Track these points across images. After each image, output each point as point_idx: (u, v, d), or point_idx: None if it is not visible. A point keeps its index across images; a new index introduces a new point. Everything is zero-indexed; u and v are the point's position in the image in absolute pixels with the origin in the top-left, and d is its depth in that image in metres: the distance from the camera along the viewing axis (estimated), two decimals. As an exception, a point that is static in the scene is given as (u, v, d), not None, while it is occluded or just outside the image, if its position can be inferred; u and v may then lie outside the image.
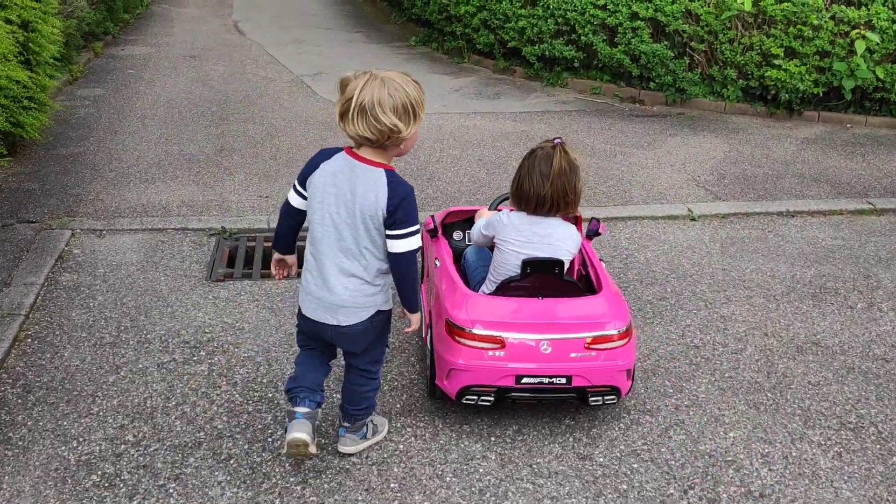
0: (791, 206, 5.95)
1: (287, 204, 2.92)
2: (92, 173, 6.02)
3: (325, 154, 2.78)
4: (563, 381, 3.08)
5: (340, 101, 2.61)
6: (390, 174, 2.68)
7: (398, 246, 2.71)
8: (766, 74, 7.86)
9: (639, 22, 8.20)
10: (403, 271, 2.79)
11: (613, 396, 3.19)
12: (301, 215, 2.89)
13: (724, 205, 5.94)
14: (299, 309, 2.93)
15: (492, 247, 3.33)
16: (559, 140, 3.16)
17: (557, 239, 3.18)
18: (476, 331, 3.02)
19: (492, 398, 3.10)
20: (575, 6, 8.55)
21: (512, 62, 9.70)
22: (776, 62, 7.76)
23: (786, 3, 7.60)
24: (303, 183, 2.81)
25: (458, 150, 6.88)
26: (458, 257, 3.75)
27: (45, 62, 5.96)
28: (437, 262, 3.50)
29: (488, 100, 8.65)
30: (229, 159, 6.45)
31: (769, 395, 3.68)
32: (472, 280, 3.50)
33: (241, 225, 5.26)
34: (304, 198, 2.82)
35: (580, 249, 3.43)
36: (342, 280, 2.77)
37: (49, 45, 6.01)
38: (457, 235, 3.96)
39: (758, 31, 7.87)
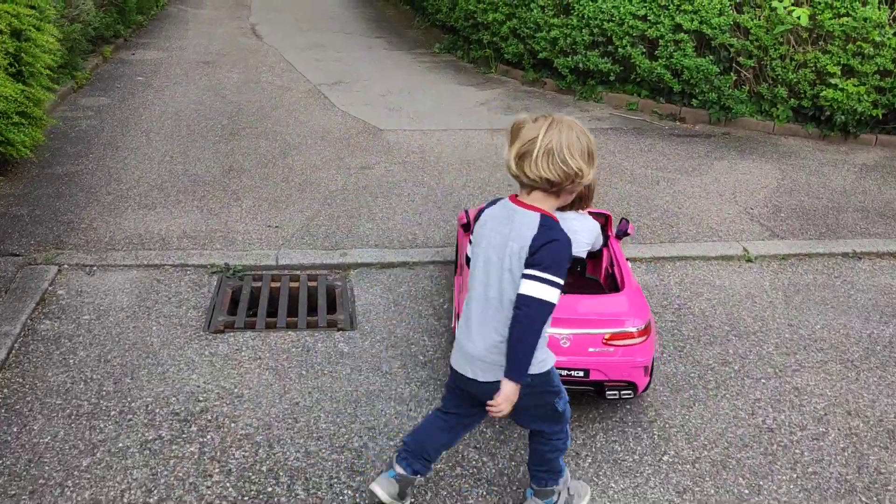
0: (857, 246, 5.31)
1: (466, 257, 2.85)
2: (87, 196, 5.48)
3: (490, 203, 2.64)
4: (581, 374, 3.16)
5: (518, 143, 2.44)
6: (546, 217, 2.46)
7: (529, 288, 2.41)
8: (820, 94, 7.21)
9: (682, 34, 7.58)
10: (522, 321, 2.42)
11: (630, 392, 3.26)
12: None
13: (782, 244, 5.31)
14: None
15: None
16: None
17: (574, 231, 3.13)
18: None
19: None
20: (613, 16, 7.93)
21: (542, 74, 9.09)
22: (832, 81, 7.10)
23: (845, 18, 6.95)
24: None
25: (486, 173, 6.30)
26: None
27: (39, 73, 5.43)
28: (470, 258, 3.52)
29: (517, 114, 8.03)
30: (237, 181, 5.90)
31: (863, 498, 3.07)
32: None
33: (247, 261, 4.70)
34: None
35: (609, 248, 3.56)
36: (482, 332, 2.53)
37: (44, 55, 5.48)
38: None
39: (813, 46, 7.22)
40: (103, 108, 7.49)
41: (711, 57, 7.59)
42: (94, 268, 4.53)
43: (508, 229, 2.47)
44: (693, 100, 7.85)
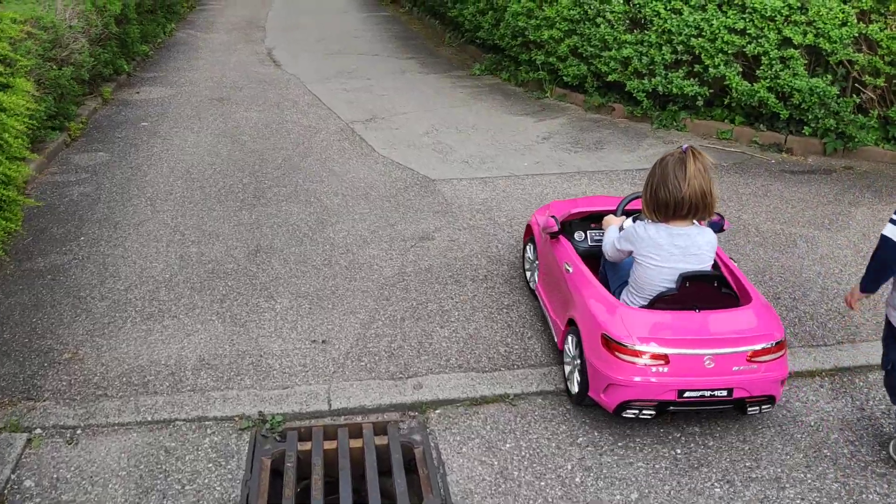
0: None
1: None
2: (74, 305, 4.16)
3: None
4: (725, 393, 3.01)
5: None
6: None
7: None
8: (972, 117, 5.79)
9: (791, 50, 6.17)
10: None
11: (769, 405, 3.13)
12: None
13: None
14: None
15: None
16: (687, 146, 3.04)
17: (699, 248, 3.11)
18: (639, 347, 2.93)
19: (653, 412, 3.04)
20: (702, 30, 6.54)
21: (609, 98, 7.71)
22: None
23: None
24: None
25: (576, 239, 4.93)
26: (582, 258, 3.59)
27: (7, 145, 4.11)
28: (569, 268, 3.48)
29: (589, 151, 6.67)
30: (267, 268, 4.57)
31: None
32: (612, 284, 3.46)
33: (289, 405, 3.37)
34: None
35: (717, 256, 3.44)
36: None
37: (14, 121, 4.16)
38: (578, 236, 3.85)
39: (960, 59, 5.81)
40: (100, 168, 6.18)
41: (828, 76, 6.18)
42: (78, 431, 3.20)
43: None
44: (805, 127, 6.44)
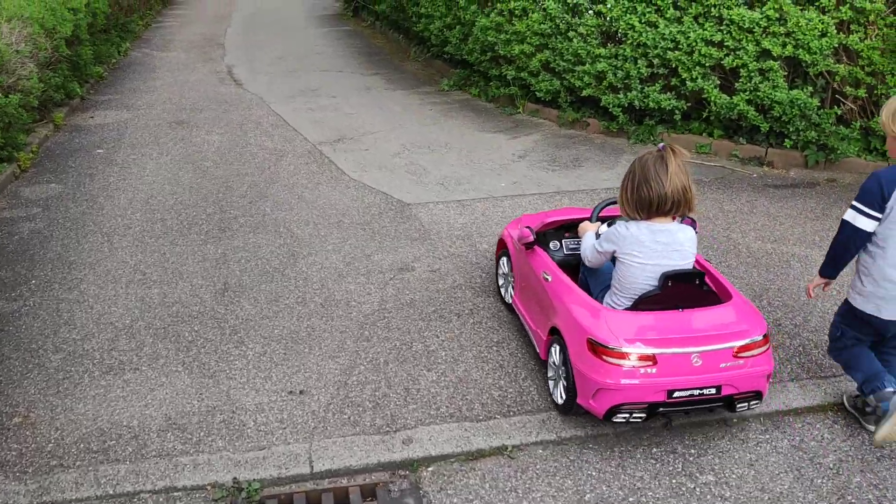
0: None
1: (861, 232, 2.99)
2: (24, 360, 3.78)
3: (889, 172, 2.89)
4: (713, 391, 2.98)
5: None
6: None
7: None
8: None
9: (770, 62, 6.02)
10: None
11: (757, 401, 3.11)
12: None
13: None
14: (865, 316, 3.12)
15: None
16: (664, 144, 3.04)
17: (681, 244, 3.09)
18: (626, 349, 2.90)
19: (643, 415, 2.99)
20: (678, 43, 6.36)
21: (583, 113, 7.50)
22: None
23: None
24: (879, 205, 2.92)
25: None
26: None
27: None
28: (548, 277, 3.41)
29: (567, 169, 6.44)
30: (236, 310, 4.24)
31: None
32: (594, 290, 3.43)
33: (266, 470, 3.04)
34: (879, 220, 2.96)
35: None
36: None
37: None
38: (553, 245, 3.81)
39: (941, 68, 5.69)
40: (53, 201, 5.78)
41: (809, 88, 6.03)
42: (31, 513, 2.84)
43: None
44: (785, 140, 6.29)
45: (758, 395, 3.09)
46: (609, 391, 2.94)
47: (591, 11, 6.91)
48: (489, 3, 8.18)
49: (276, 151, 6.95)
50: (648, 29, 6.49)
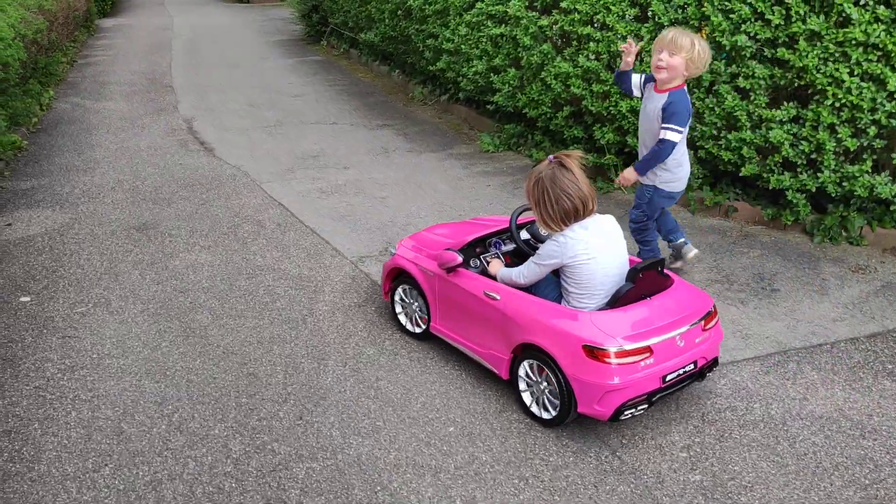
0: None
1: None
2: None
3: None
4: (692, 366, 3.05)
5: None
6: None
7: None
8: None
9: None
10: None
11: (715, 366, 3.21)
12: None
13: None
14: (668, 192, 3.99)
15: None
16: (552, 156, 3.08)
17: (611, 229, 3.14)
18: (627, 346, 2.87)
19: (646, 405, 2.97)
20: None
21: (727, 193, 5.22)
22: None
23: None
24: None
25: None
26: None
27: None
28: (496, 296, 3.25)
29: (762, 298, 4.15)
30: None
31: None
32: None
33: None
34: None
35: None
36: None
37: None
38: (473, 263, 3.57)
39: None
40: (-56, 439, 3.14)
41: None
42: None
43: None
44: None
45: (715, 361, 3.19)
46: (616, 392, 2.85)
47: (760, 54, 4.62)
48: (570, 43, 5.79)
49: (303, 282, 4.42)
50: (866, 85, 4.24)
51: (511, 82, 6.40)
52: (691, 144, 5.17)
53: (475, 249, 3.64)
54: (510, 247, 3.69)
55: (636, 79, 3.97)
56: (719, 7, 4.66)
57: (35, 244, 5.00)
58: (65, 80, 10.19)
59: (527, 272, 3.19)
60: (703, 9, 4.72)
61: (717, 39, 4.70)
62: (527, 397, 3.19)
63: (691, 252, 4.24)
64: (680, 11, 4.89)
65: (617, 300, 3.02)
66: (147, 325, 3.98)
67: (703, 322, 3.07)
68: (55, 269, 4.63)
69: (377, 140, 7.34)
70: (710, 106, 4.88)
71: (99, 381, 3.49)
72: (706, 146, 5.02)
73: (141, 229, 5.23)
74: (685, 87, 3.80)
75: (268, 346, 3.77)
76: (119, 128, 7.87)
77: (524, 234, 3.59)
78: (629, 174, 3.93)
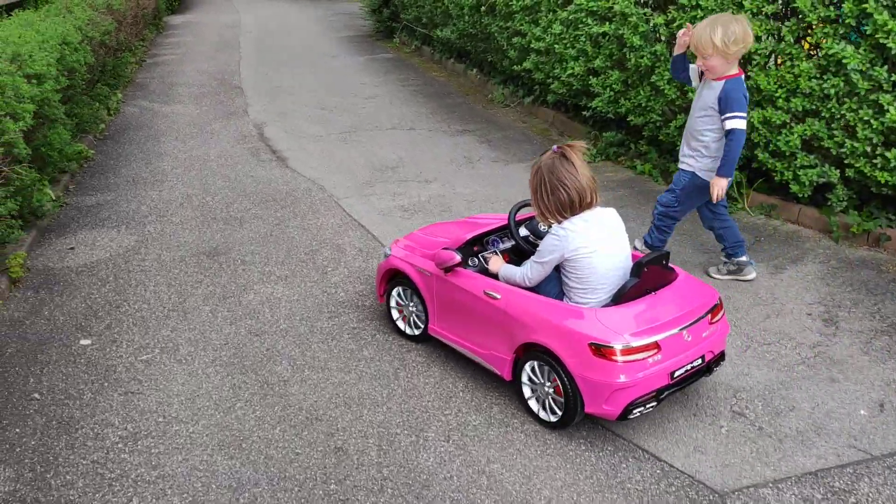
0: None
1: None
2: None
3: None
4: (699, 361, 2.95)
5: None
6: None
7: None
8: None
9: None
10: None
11: (722, 361, 3.12)
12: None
13: None
14: (703, 181, 3.83)
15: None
16: (557, 146, 2.97)
17: (613, 222, 3.04)
18: (634, 343, 2.76)
19: (655, 403, 2.86)
20: None
21: (879, 219, 4.44)
22: None
23: None
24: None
25: None
26: None
27: None
28: (496, 295, 3.12)
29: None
30: None
31: None
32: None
33: None
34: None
35: None
36: None
37: None
38: (472, 262, 3.44)
39: None
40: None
41: None
42: None
43: None
44: None
45: (723, 356, 3.10)
46: (624, 390, 2.75)
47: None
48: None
49: (391, 324, 3.83)
50: None
51: (614, 86, 5.68)
52: (838, 162, 4.40)
53: (473, 248, 3.49)
54: (508, 244, 3.47)
55: (694, 68, 3.82)
56: (885, 3, 3.87)
57: (99, 273, 4.53)
58: (133, 82, 9.86)
59: (531, 273, 3.07)
60: (865, 5, 3.93)
61: (880, 41, 3.91)
62: (533, 404, 3.07)
63: (751, 275, 4.06)
64: (833, 9, 4.11)
65: (622, 296, 2.91)
66: (219, 380, 3.45)
67: (709, 315, 2.97)
68: (119, 304, 4.15)
69: (459, 148, 6.72)
70: (865, 118, 4.09)
71: (165, 455, 2.96)
72: (856, 164, 4.23)
73: (212, 255, 4.72)
74: (741, 77, 3.67)
75: (357, 411, 3.20)
76: (188, 134, 7.43)
77: (523, 231, 3.42)
78: (720, 183, 3.74)
